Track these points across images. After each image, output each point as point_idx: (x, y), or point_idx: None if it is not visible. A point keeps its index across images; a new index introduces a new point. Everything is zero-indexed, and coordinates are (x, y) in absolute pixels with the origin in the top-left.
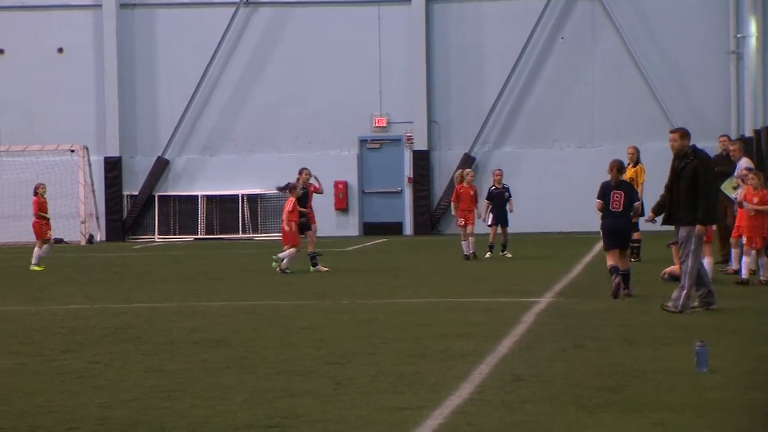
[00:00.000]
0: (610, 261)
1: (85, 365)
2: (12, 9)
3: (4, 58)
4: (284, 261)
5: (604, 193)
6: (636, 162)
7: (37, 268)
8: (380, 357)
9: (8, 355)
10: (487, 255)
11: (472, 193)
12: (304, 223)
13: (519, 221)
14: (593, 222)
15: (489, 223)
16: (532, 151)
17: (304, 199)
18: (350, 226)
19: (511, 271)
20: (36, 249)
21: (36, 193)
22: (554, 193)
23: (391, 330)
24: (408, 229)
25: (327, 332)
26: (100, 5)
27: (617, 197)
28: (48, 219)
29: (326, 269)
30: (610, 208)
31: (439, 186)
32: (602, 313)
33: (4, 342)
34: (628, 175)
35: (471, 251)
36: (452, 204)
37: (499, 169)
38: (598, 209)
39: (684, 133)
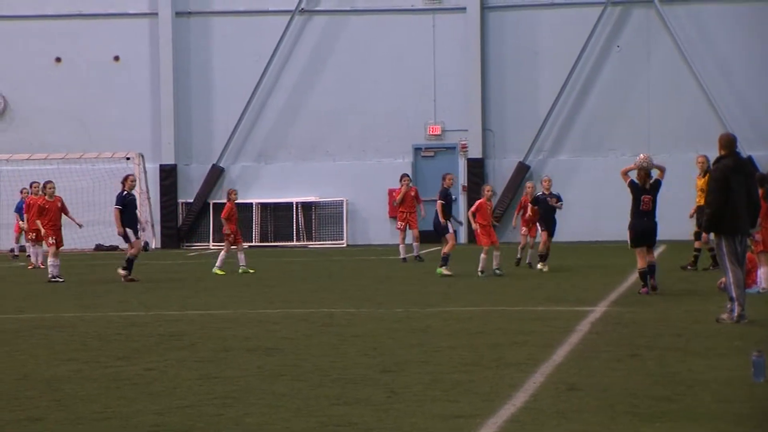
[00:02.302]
0: (640, 261)
1: (140, 372)
2: (69, 17)
3: (61, 67)
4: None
5: (635, 194)
6: (705, 172)
7: (219, 272)
8: (434, 365)
9: (65, 361)
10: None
11: (527, 206)
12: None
13: (573, 230)
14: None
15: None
16: (587, 160)
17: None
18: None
19: (566, 279)
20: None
21: (229, 199)
22: (609, 202)
23: (445, 338)
24: (462, 237)
25: (381, 340)
26: (156, 13)
27: (647, 199)
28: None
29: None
30: (641, 208)
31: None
32: (657, 322)
33: (62, 349)
34: (699, 185)
35: (527, 261)
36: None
37: (548, 177)
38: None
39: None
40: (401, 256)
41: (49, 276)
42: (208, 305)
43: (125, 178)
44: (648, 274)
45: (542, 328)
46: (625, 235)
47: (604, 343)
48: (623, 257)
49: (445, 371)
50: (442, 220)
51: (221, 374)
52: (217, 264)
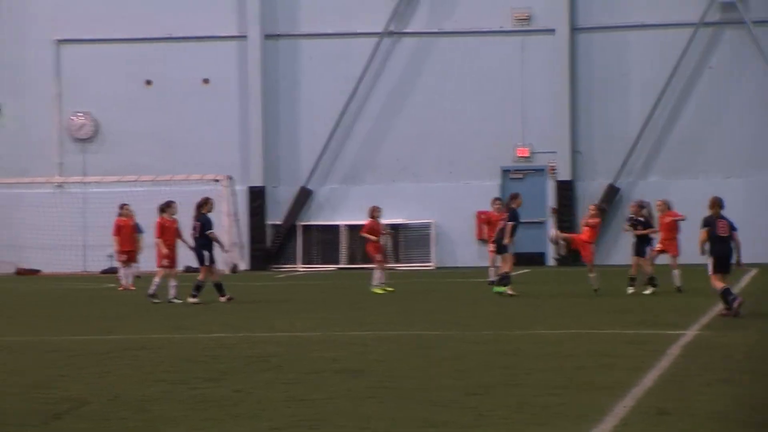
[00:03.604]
0: (719, 284)
1: (227, 393)
2: (159, 40)
3: (151, 89)
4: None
5: (708, 223)
6: None
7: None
8: (523, 388)
9: (154, 382)
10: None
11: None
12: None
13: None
14: (742, 253)
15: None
16: (677, 182)
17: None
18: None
19: (656, 303)
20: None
21: (372, 216)
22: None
23: (533, 361)
24: (550, 259)
25: (469, 362)
26: (245, 36)
27: (722, 224)
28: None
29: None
30: (718, 234)
31: (582, 216)
32: (749, 347)
33: (150, 369)
34: None
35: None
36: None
37: (634, 202)
38: (702, 239)
39: None
40: (489, 279)
41: (170, 297)
42: (296, 327)
43: (206, 201)
44: (733, 295)
45: (632, 352)
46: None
47: (695, 367)
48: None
49: (533, 394)
50: (507, 240)
51: (308, 396)
52: (374, 282)
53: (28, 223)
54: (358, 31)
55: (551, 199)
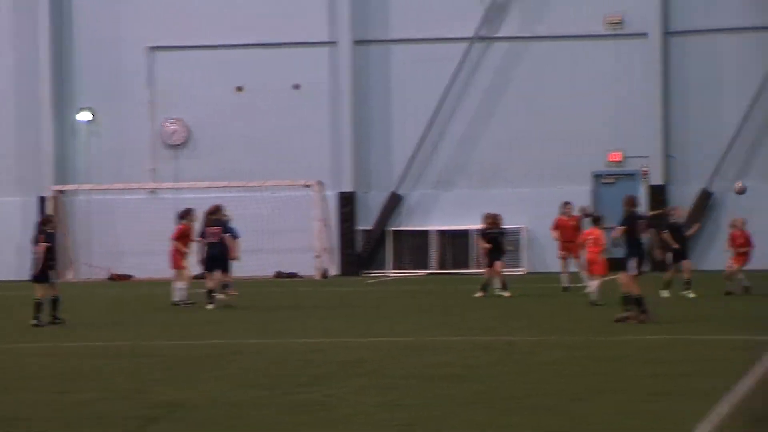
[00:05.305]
0: (636, 288)
1: (321, 398)
2: (250, 47)
3: (242, 95)
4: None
5: (630, 221)
6: None
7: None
8: (620, 394)
9: (246, 387)
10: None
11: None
12: None
13: (760, 256)
14: None
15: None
16: None
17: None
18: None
19: (748, 308)
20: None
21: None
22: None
23: (631, 366)
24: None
25: (567, 368)
26: (336, 42)
27: (642, 225)
28: None
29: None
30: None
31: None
32: None
33: (243, 375)
34: None
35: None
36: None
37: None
38: (615, 236)
39: None
40: (563, 284)
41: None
42: (388, 332)
43: (218, 208)
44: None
45: (730, 357)
46: None
47: None
48: None
49: (630, 400)
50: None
51: (403, 401)
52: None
53: (122, 229)
54: (449, 36)
55: (644, 204)
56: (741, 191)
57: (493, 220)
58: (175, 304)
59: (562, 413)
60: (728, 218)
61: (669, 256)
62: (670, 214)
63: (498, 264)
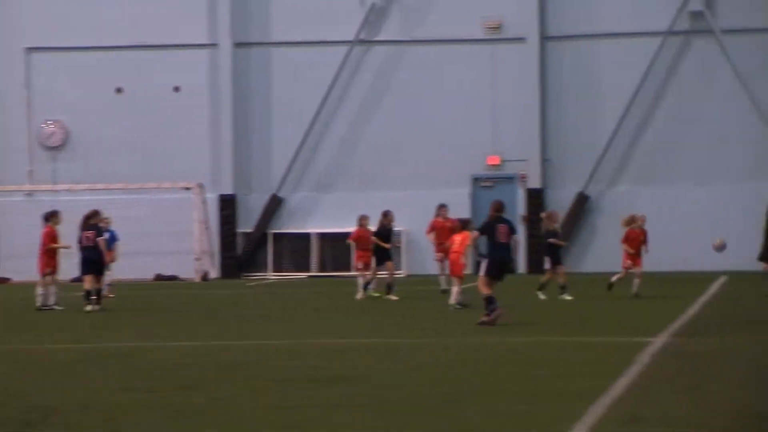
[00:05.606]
0: (485, 289)
1: (200, 401)
2: (130, 48)
3: (122, 97)
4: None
5: (487, 228)
6: None
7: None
8: (496, 396)
9: (125, 390)
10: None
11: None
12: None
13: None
14: (709, 260)
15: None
16: (646, 190)
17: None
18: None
19: (626, 310)
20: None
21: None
22: (668, 233)
23: (503, 369)
24: (522, 267)
25: (442, 371)
26: (216, 44)
27: (503, 229)
28: None
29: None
30: (498, 239)
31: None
32: (719, 353)
33: (122, 377)
34: None
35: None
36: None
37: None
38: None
39: None
40: (441, 287)
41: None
42: (266, 335)
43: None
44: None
45: (602, 359)
46: (684, 266)
47: (665, 374)
48: (683, 287)
49: (503, 402)
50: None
51: (280, 404)
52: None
53: None
54: (329, 39)
55: (521, 207)
56: (720, 248)
57: (390, 218)
58: (38, 309)
59: (439, 415)
60: (604, 221)
61: (547, 260)
62: (545, 222)
63: (390, 264)
